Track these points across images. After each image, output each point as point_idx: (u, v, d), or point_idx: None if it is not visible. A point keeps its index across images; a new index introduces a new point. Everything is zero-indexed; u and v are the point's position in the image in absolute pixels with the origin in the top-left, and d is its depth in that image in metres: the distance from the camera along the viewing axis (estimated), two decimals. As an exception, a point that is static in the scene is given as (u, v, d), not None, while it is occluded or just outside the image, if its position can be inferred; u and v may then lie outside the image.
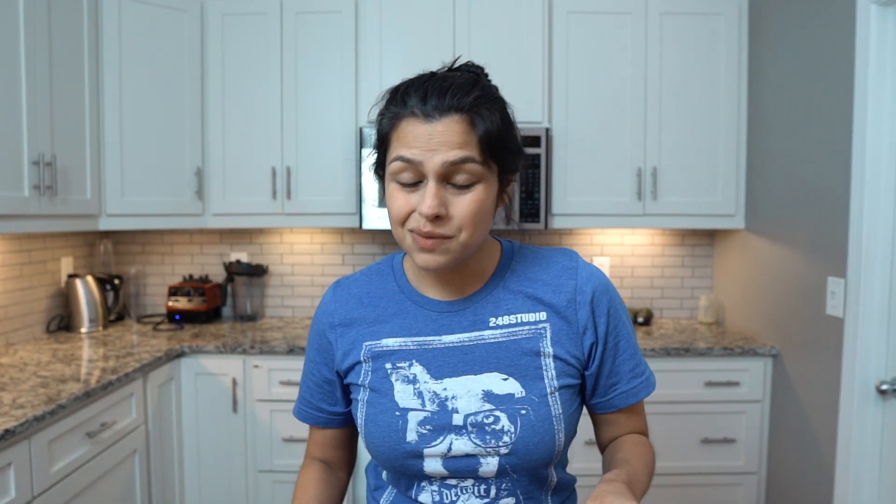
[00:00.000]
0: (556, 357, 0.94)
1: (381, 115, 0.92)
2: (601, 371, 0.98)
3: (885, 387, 1.92)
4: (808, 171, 2.32)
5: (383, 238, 3.18)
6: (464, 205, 0.86)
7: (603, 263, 3.16)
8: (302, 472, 1.09)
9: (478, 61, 0.97)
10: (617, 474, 0.86)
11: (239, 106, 2.81)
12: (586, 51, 2.77)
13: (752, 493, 2.60)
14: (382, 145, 0.92)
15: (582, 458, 2.44)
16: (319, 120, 2.80)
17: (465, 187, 0.86)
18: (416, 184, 0.87)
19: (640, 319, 3.00)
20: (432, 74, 0.91)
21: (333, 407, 1.05)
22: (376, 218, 2.72)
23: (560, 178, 2.78)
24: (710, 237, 3.18)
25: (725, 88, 2.78)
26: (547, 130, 2.70)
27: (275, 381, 2.55)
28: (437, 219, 0.85)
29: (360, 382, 0.98)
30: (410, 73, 0.94)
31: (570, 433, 0.96)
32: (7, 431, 1.53)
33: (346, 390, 1.04)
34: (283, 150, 2.81)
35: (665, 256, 3.19)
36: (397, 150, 0.87)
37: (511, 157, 0.92)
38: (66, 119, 2.33)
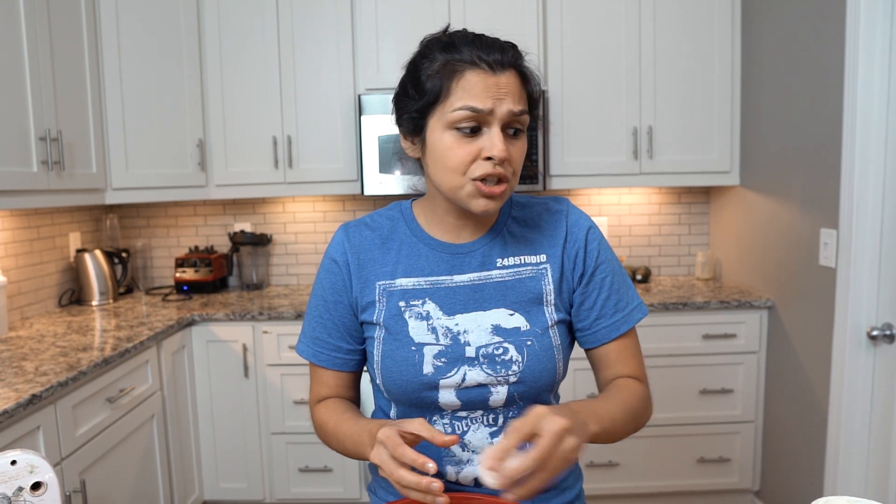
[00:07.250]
0: (555, 294, 1.03)
1: (428, 65, 0.95)
2: (584, 302, 1.05)
3: (875, 332, 1.99)
4: (801, 126, 2.35)
5: (384, 204, 3.21)
6: (516, 150, 0.96)
7: (601, 223, 3.21)
8: (321, 407, 1.08)
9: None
10: (571, 404, 0.89)
11: (237, 76, 2.82)
12: (581, 11, 2.77)
13: (749, 440, 2.70)
14: (434, 94, 0.94)
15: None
16: (318, 88, 2.82)
17: (515, 136, 0.95)
18: (475, 132, 0.93)
19: (639, 277, 3.06)
20: (472, 32, 0.97)
21: (352, 345, 1.08)
22: (377, 184, 2.76)
23: (557, 140, 2.82)
24: (705, 194, 3.23)
25: (719, 45, 2.79)
26: (543, 93, 2.73)
27: (284, 345, 2.62)
28: (502, 161, 0.93)
29: (374, 321, 1.03)
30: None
31: (566, 365, 1.05)
32: (34, 396, 1.60)
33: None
34: (282, 119, 2.83)
35: (662, 215, 3.23)
36: (463, 99, 0.91)
37: (535, 111, 1.01)
38: (69, 94, 2.35)
